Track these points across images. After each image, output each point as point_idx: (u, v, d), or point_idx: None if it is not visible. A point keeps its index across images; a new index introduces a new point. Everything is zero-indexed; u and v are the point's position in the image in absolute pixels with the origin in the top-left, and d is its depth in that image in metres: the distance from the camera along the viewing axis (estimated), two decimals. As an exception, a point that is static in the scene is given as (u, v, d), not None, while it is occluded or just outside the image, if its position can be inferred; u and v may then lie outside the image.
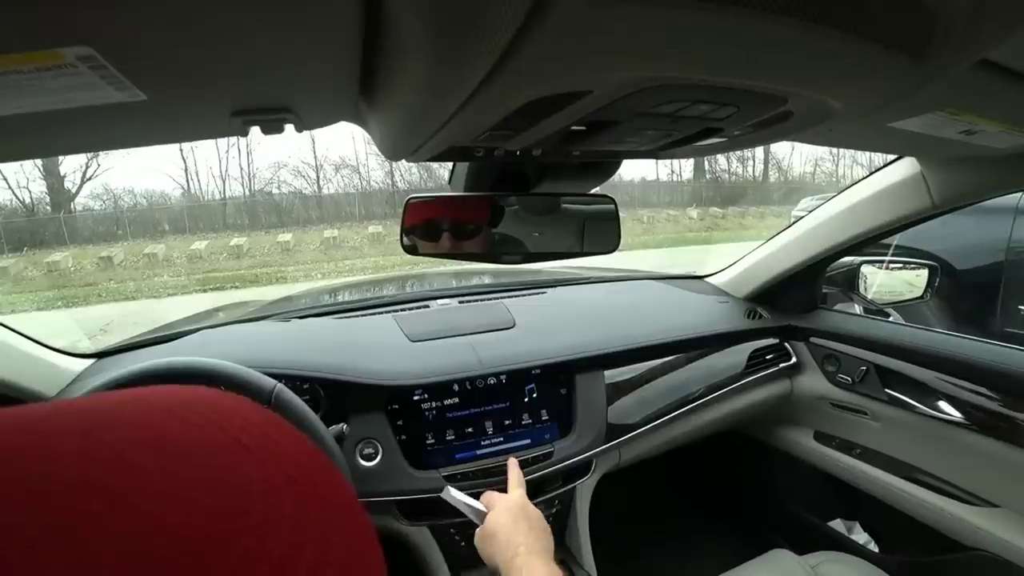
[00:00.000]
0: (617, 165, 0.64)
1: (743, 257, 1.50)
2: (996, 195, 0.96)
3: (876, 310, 1.62)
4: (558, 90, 0.32)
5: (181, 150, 14.93)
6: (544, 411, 1.09)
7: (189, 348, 1.06)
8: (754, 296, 1.45)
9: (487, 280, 1.54)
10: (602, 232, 0.68)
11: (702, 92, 0.34)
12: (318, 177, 15.63)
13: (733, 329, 1.33)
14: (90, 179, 14.28)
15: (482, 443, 1.04)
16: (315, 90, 0.41)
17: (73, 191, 14.15)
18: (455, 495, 0.80)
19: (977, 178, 0.89)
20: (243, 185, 15.71)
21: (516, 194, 0.64)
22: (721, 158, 18.13)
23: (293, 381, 0.96)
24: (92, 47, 0.28)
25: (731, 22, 0.25)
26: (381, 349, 1.07)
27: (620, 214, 0.70)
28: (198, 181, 16.25)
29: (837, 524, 1.43)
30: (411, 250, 0.63)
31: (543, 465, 1.03)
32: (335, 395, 0.99)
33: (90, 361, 1.05)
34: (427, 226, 0.62)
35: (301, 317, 1.24)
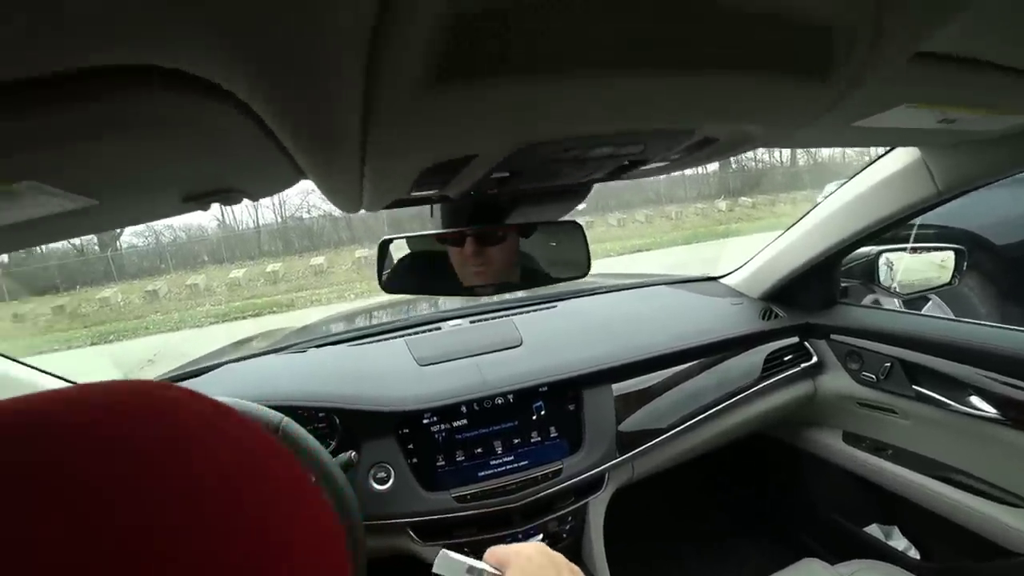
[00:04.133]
0: (588, 188, 0.64)
1: (756, 255, 1.46)
2: (1002, 177, 0.91)
3: (905, 300, 1.55)
4: (443, 158, 0.32)
5: (215, 183, 15.48)
6: (552, 428, 1.08)
7: (214, 382, 1.11)
8: (769, 295, 1.41)
9: (498, 298, 1.54)
10: (572, 257, 0.67)
11: (594, 139, 0.33)
12: (346, 199, 15.94)
13: (748, 331, 1.30)
14: (133, 218, 14.97)
15: (491, 463, 1.04)
16: (254, 173, 0.43)
17: (118, 231, 14.87)
18: (453, 557, 0.65)
19: (979, 161, 0.85)
20: (275, 212, 16.21)
21: (482, 228, 0.64)
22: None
23: (309, 411, 1.01)
24: (37, 179, 0.30)
25: (592, 85, 0.25)
26: (391, 375, 1.09)
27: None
28: (232, 212, 16.83)
29: (874, 529, 1.37)
30: (388, 288, 0.64)
31: (553, 482, 1.03)
32: (348, 422, 1.02)
33: None
34: (401, 264, 0.64)
35: (318, 346, 1.27)
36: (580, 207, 0.72)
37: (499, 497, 1.00)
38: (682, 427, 1.15)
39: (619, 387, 1.14)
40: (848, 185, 1.14)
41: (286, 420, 0.86)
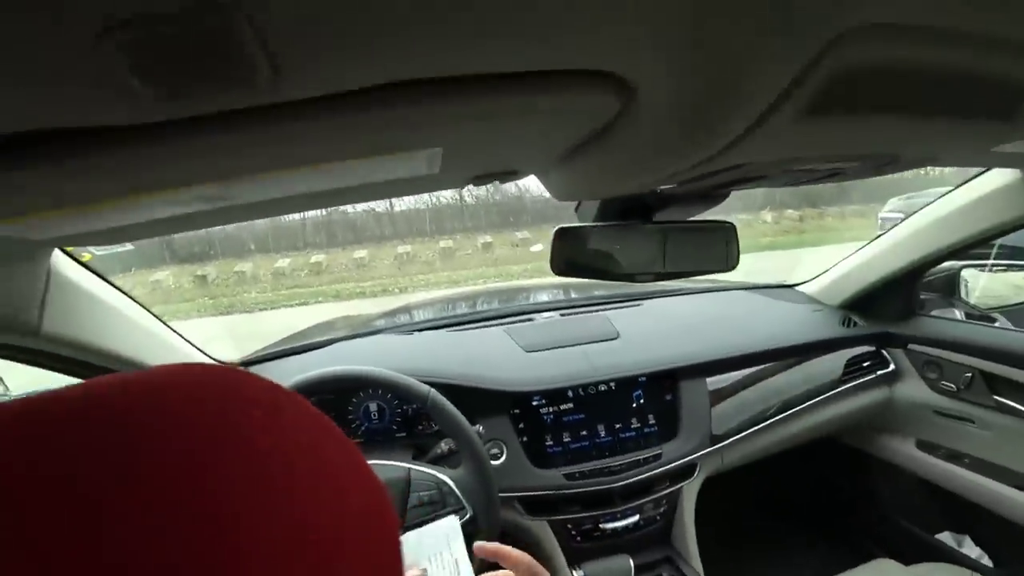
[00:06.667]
0: (727, 193, 0.74)
1: (835, 265, 1.52)
2: None
3: (979, 316, 1.59)
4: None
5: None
6: (651, 416, 1.18)
7: (328, 359, 1.21)
8: (849, 304, 1.47)
9: (586, 293, 1.63)
10: (723, 252, 0.77)
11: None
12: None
13: (831, 336, 1.37)
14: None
15: (596, 443, 1.14)
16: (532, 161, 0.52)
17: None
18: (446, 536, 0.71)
19: None
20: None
21: (648, 223, 0.74)
22: (793, 158, 16.96)
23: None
24: (441, 147, 0.39)
25: None
26: (500, 359, 1.19)
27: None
28: (279, 203, 17.32)
29: (946, 537, 1.42)
30: (560, 272, 0.75)
31: (654, 465, 1.12)
32: (467, 400, 1.11)
33: None
34: (574, 251, 0.74)
35: (420, 330, 1.38)
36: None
37: (604, 476, 1.10)
38: (769, 421, 1.24)
39: (710, 381, 1.23)
40: (940, 200, 1.19)
41: (434, 391, 0.96)
